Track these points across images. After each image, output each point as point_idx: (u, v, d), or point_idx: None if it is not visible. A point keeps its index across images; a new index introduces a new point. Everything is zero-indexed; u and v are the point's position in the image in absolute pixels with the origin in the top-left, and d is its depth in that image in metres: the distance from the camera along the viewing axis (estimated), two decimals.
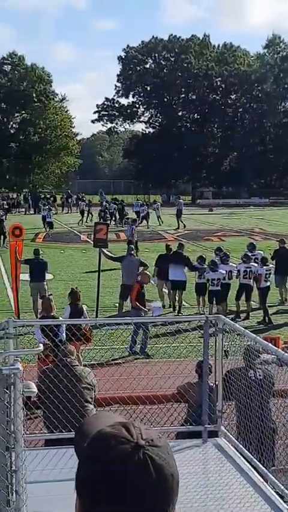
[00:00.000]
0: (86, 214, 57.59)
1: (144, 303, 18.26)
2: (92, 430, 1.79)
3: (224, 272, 21.71)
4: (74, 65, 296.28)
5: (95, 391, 8.74)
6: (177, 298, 23.18)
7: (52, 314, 14.15)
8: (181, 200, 58.51)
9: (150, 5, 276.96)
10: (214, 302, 21.71)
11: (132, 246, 25.25)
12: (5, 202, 72.03)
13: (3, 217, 44.68)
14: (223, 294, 21.89)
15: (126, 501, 1.63)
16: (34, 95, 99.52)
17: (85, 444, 1.76)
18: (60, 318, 14.11)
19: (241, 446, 7.52)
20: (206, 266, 22.34)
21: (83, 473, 1.73)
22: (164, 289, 24.24)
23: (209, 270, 21.97)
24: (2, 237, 40.52)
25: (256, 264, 22.41)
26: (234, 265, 22.56)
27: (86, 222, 55.90)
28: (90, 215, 57.63)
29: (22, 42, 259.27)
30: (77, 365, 8.81)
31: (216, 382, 8.15)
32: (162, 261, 24.30)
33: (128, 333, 17.27)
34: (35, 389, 6.98)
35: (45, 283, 22.48)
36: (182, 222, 52.81)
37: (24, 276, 25.22)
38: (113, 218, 55.37)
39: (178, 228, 52.06)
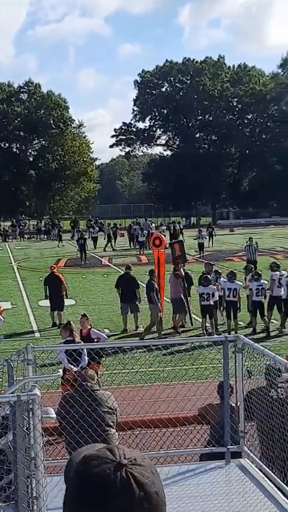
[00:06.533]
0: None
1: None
2: (80, 456, 1.79)
3: (214, 287, 22.23)
4: (99, 91, 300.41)
5: (116, 415, 8.69)
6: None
7: (77, 340, 14.15)
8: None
9: (174, 30, 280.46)
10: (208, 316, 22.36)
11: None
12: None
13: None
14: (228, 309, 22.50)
15: None
16: (51, 122, 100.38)
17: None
18: (82, 343, 14.07)
19: (264, 466, 7.42)
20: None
21: (68, 493, 1.73)
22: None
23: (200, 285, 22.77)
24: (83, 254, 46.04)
25: (266, 282, 22.97)
26: (240, 283, 22.84)
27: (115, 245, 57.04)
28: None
29: (47, 70, 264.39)
30: (98, 389, 8.76)
31: (238, 403, 8.08)
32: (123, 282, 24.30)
33: (149, 356, 17.20)
34: (54, 415, 6.95)
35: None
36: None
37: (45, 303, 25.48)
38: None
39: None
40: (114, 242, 57.72)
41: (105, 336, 16.40)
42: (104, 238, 58.35)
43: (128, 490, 1.64)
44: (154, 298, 21.95)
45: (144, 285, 23.15)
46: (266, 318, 22.58)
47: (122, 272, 27.27)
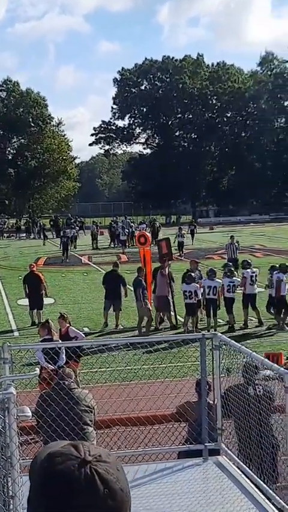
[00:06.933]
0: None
1: None
2: (44, 454, 1.78)
3: (197, 285, 22.33)
4: (78, 88, 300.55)
5: (94, 414, 8.66)
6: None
7: (55, 338, 14.09)
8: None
9: (153, 28, 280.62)
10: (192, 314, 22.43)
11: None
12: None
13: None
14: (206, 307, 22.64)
15: None
16: (30, 119, 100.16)
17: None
18: (60, 341, 14.01)
19: (242, 463, 7.43)
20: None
21: (32, 490, 1.72)
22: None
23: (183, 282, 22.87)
24: (66, 252, 46.40)
25: (239, 279, 23.30)
26: (219, 281, 22.82)
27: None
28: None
29: (27, 67, 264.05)
30: (75, 388, 8.73)
31: (216, 400, 8.07)
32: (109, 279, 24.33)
33: (128, 354, 17.21)
34: (29, 414, 6.92)
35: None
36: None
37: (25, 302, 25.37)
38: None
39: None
40: (96, 241, 57.38)
41: (82, 335, 16.37)
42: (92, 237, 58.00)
43: (92, 487, 1.63)
44: (140, 295, 21.96)
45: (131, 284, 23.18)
46: (233, 314, 22.74)
47: (103, 270, 27.21)
